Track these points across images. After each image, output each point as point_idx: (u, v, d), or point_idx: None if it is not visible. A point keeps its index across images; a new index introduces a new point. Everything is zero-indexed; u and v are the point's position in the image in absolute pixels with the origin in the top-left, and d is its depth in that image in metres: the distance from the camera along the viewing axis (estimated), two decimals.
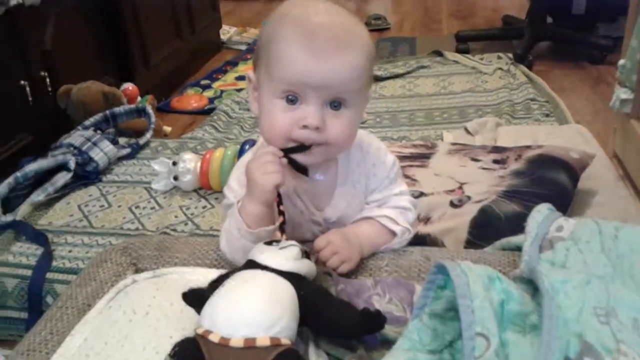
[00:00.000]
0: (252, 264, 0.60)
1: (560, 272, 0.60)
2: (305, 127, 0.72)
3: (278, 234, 0.69)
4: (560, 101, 2.02)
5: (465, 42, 2.71)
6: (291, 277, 0.58)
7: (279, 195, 0.73)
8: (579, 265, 0.63)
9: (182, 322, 0.63)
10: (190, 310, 0.61)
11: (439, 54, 2.60)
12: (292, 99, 0.73)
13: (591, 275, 0.59)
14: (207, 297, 0.56)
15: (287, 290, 0.56)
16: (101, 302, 0.70)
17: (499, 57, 2.49)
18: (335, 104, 0.73)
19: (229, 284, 0.57)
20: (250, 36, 3.14)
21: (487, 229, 1.02)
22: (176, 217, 1.39)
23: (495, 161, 1.20)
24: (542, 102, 2.03)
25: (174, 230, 1.33)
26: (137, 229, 1.36)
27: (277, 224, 0.72)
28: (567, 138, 1.48)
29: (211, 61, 2.88)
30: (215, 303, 0.55)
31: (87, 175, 1.56)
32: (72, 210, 1.45)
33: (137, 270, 0.78)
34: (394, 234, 0.81)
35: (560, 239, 0.67)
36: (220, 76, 2.62)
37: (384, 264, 0.75)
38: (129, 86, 2.07)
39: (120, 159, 1.66)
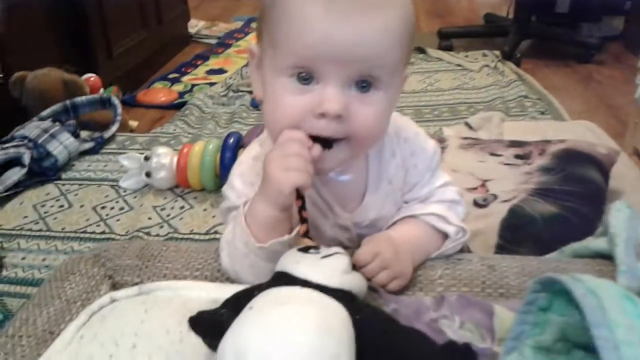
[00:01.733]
0: (285, 278, 0.44)
1: None
2: (322, 115, 0.55)
3: (306, 240, 0.53)
4: (554, 99, 1.94)
5: (448, 39, 2.61)
6: (341, 295, 0.43)
7: (301, 197, 0.57)
8: None
9: (185, 358, 0.46)
10: (196, 341, 0.44)
11: (421, 50, 2.50)
12: (305, 78, 0.56)
13: None
14: (226, 324, 0.40)
15: (340, 315, 0.41)
16: (69, 329, 0.52)
17: (484, 55, 2.44)
18: (364, 84, 0.56)
19: (257, 306, 0.41)
20: (220, 30, 2.97)
21: (521, 232, 0.89)
22: (149, 218, 1.21)
23: (518, 156, 1.07)
24: (535, 99, 1.96)
25: (148, 234, 1.16)
26: (103, 232, 1.18)
27: (295, 231, 0.56)
28: (578, 134, 1.37)
29: (179, 54, 2.70)
30: (241, 334, 0.39)
31: (43, 171, 1.37)
32: (27, 211, 1.26)
33: (115, 285, 0.60)
34: (446, 235, 0.65)
35: None
36: (190, 70, 2.44)
37: (437, 276, 0.60)
38: (91, 77, 1.87)
39: (83, 153, 1.48)
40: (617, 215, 0.59)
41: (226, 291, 0.49)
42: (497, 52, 2.39)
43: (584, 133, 1.40)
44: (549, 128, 1.45)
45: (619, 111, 1.88)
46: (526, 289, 0.56)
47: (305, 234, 0.55)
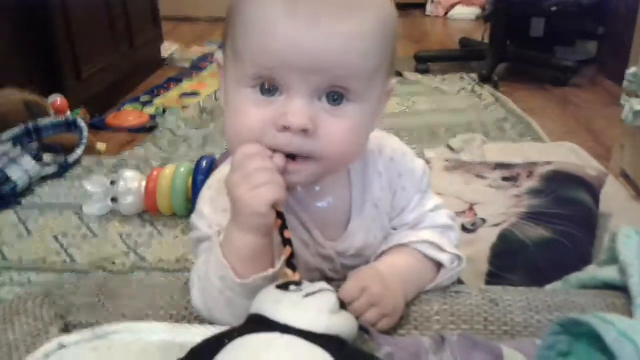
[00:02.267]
0: (263, 323, 0.38)
1: None
2: (285, 128, 0.49)
3: (288, 272, 0.47)
4: (533, 121, 1.92)
5: (425, 63, 2.61)
6: (329, 342, 0.36)
7: (280, 216, 0.50)
8: None
9: None
10: None
11: (398, 74, 2.48)
12: (268, 90, 0.50)
13: None
14: None
15: None
16: None
17: (462, 78, 2.45)
18: (335, 97, 0.51)
19: (229, 356, 0.34)
20: (194, 54, 2.91)
21: (513, 258, 0.84)
22: (115, 247, 1.13)
23: (505, 179, 1.03)
24: (514, 122, 1.95)
25: (113, 263, 1.07)
26: (64, 262, 1.10)
27: (282, 261, 0.49)
28: (561, 156, 1.34)
29: (152, 77, 2.63)
30: None
31: (2, 197, 1.27)
32: None
33: (68, 327, 0.53)
34: (440, 265, 0.59)
35: None
36: (162, 92, 2.37)
37: (434, 311, 0.54)
38: (57, 98, 1.78)
39: (45, 178, 1.39)
40: (627, 243, 0.54)
41: (194, 334, 0.43)
42: (474, 76, 2.40)
43: (568, 155, 1.38)
44: (531, 150, 1.42)
45: (599, 134, 1.87)
46: (533, 325, 0.51)
47: (290, 258, 0.49)
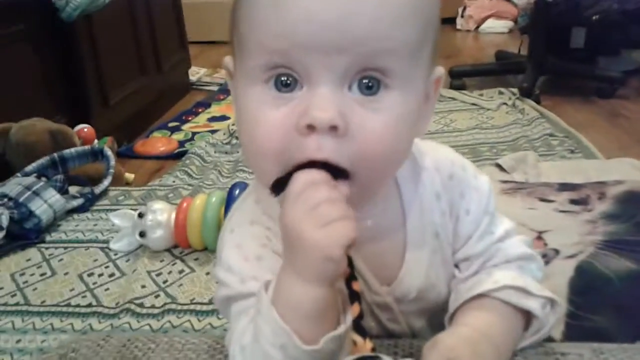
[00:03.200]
0: None
1: None
2: (310, 128, 0.38)
3: (357, 338, 0.37)
4: (581, 136, 1.80)
5: (460, 78, 2.51)
6: None
7: (350, 264, 0.39)
8: None
9: None
10: None
11: None
12: (285, 82, 0.39)
13: None
14: None
15: None
16: None
17: (501, 93, 2.33)
18: (369, 83, 0.39)
19: None
20: (222, 77, 2.87)
21: (595, 296, 0.73)
22: (143, 287, 1.05)
23: (573, 201, 0.92)
24: (562, 137, 1.82)
25: (141, 305, 0.99)
26: (89, 304, 1.02)
27: (349, 320, 0.39)
28: (624, 173, 1.21)
29: (180, 103, 2.58)
30: None
31: (25, 234, 1.21)
32: (3, 282, 1.10)
33: None
34: (530, 315, 0.48)
35: None
36: (190, 118, 2.32)
37: None
38: (84, 128, 1.74)
39: (70, 212, 1.32)
40: None
41: None
42: (514, 90, 2.28)
43: (631, 172, 1.25)
44: (589, 167, 1.30)
45: None
46: None
47: (359, 318, 0.39)
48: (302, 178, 0.39)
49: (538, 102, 2.16)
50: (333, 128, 0.38)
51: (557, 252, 0.82)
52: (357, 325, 0.38)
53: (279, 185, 0.40)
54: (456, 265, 0.53)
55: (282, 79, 0.40)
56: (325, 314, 0.40)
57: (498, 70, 2.63)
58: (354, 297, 0.39)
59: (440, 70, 0.46)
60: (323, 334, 0.39)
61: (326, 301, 0.39)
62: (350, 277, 0.39)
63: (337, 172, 0.40)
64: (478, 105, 2.21)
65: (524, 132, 1.89)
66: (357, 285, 0.39)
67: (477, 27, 3.65)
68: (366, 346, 0.36)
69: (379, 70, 0.39)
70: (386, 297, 0.50)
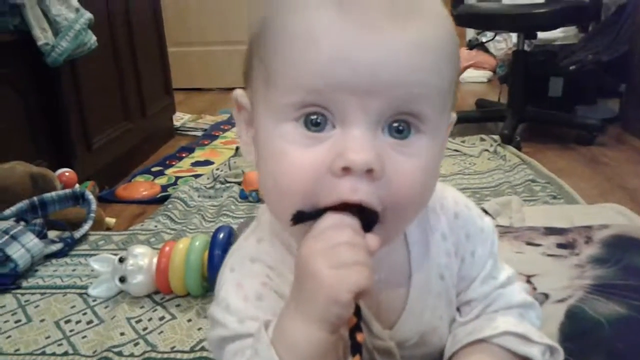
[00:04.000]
0: None
1: None
2: (346, 170, 0.38)
3: None
4: (563, 182, 1.82)
5: None
6: None
7: (357, 310, 0.39)
8: None
9: None
10: None
11: None
12: (316, 122, 0.39)
13: None
14: None
15: None
16: None
17: (482, 139, 2.37)
18: (400, 127, 0.40)
19: None
20: (206, 122, 2.89)
21: (587, 341, 0.72)
22: (122, 334, 1.01)
23: (561, 245, 0.92)
24: (543, 183, 1.85)
25: (119, 354, 0.95)
26: (65, 353, 0.97)
27: None
28: (609, 219, 1.22)
29: (163, 147, 2.58)
30: None
31: (0, 279, 1.16)
32: None
33: None
34: None
35: None
36: (174, 162, 2.31)
37: None
38: (65, 172, 1.72)
39: (49, 257, 1.28)
40: None
41: None
42: (496, 137, 2.32)
43: (615, 217, 1.26)
44: (574, 212, 1.31)
45: (636, 193, 1.76)
46: None
47: None
48: (331, 218, 0.39)
49: (519, 149, 2.20)
50: (369, 171, 0.38)
51: (546, 296, 0.81)
52: None
53: (300, 218, 0.40)
54: (457, 309, 0.52)
55: (312, 117, 0.39)
56: (325, 357, 0.38)
57: (479, 118, 2.69)
58: (356, 348, 0.37)
59: (454, 116, 0.47)
60: None
61: (326, 347, 0.38)
62: (356, 327, 0.38)
63: (369, 216, 0.39)
64: (460, 152, 2.24)
65: (507, 177, 1.91)
66: (361, 337, 0.38)
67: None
68: None
69: (413, 115, 0.40)
70: (388, 341, 0.49)
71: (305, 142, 0.39)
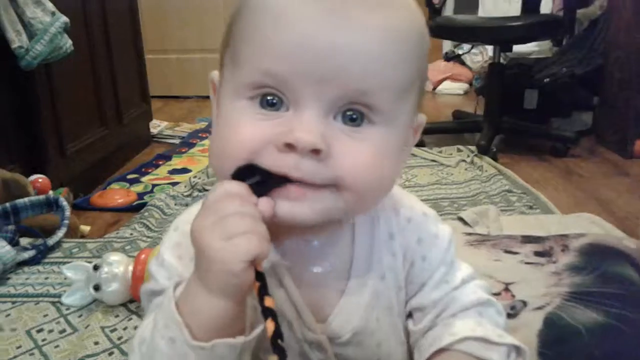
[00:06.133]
0: None
1: None
2: (290, 147, 0.39)
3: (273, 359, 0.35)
4: (539, 193, 1.85)
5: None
6: None
7: (259, 276, 0.39)
8: None
9: None
10: None
11: None
12: (271, 102, 0.41)
13: None
14: None
15: None
16: None
17: (459, 150, 2.40)
18: (353, 116, 0.41)
19: None
20: (184, 130, 2.86)
21: (565, 348, 0.73)
22: (96, 343, 0.98)
23: (538, 253, 0.93)
24: (519, 193, 1.88)
25: None
26: None
27: (256, 332, 0.39)
28: (583, 228, 1.24)
29: (140, 155, 2.55)
30: None
31: None
32: None
33: None
34: None
35: None
36: (150, 170, 2.28)
37: None
38: (39, 178, 1.68)
39: (21, 264, 1.25)
40: None
41: None
42: (472, 147, 2.34)
43: (589, 226, 1.28)
44: (549, 222, 1.32)
45: (609, 204, 1.79)
46: None
47: (276, 336, 0.37)
48: (221, 187, 0.40)
49: (495, 160, 2.23)
50: (315, 151, 0.39)
51: (525, 303, 0.82)
52: (275, 345, 0.35)
53: (239, 174, 0.41)
54: (410, 315, 0.52)
55: (268, 98, 0.41)
56: (225, 327, 0.39)
57: (456, 129, 2.72)
58: (267, 313, 0.37)
59: (422, 118, 0.47)
60: (217, 335, 0.38)
61: (230, 315, 0.39)
62: (261, 291, 0.38)
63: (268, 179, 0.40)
64: (438, 162, 2.26)
65: (483, 188, 1.93)
66: (270, 302, 0.38)
67: (434, 88, 3.79)
68: None
69: (365, 105, 0.41)
70: (319, 334, 0.48)
71: (257, 117, 0.41)
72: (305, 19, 0.38)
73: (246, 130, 0.40)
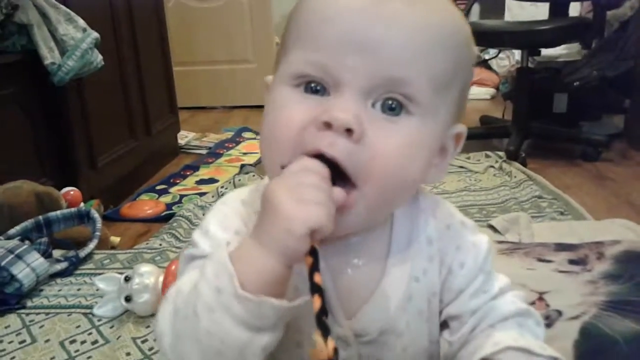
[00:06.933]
0: None
1: None
2: (327, 125, 0.41)
3: (318, 339, 0.35)
4: (570, 199, 1.81)
5: None
6: None
7: (313, 252, 0.40)
8: None
9: None
10: None
11: None
12: (314, 88, 0.43)
13: None
14: None
15: None
16: None
17: (487, 156, 2.35)
18: (392, 104, 0.43)
19: None
20: (211, 140, 2.89)
21: (602, 358, 0.70)
22: (128, 354, 0.99)
23: (572, 261, 0.91)
24: (550, 199, 1.83)
25: None
26: None
27: (302, 300, 0.39)
28: (618, 234, 1.21)
29: (168, 166, 2.58)
30: None
31: (5, 299, 1.16)
32: None
33: None
34: None
35: None
36: (178, 180, 2.31)
37: None
38: (70, 190, 1.71)
39: (54, 276, 1.28)
40: None
41: None
42: (501, 153, 2.31)
43: (624, 232, 1.25)
44: (582, 228, 1.29)
45: None
46: None
47: (322, 313, 0.37)
48: (301, 162, 0.42)
49: (524, 165, 2.19)
50: (349, 131, 0.41)
51: (560, 313, 0.80)
52: (320, 322, 0.35)
53: None
54: (446, 325, 0.51)
55: (312, 85, 0.43)
56: (272, 286, 0.39)
57: (483, 134, 2.69)
58: (315, 289, 0.38)
59: (462, 127, 0.48)
60: (265, 293, 0.39)
61: (277, 277, 0.39)
62: (313, 267, 0.39)
63: (340, 173, 0.42)
64: (466, 168, 2.23)
65: (513, 194, 1.90)
66: (319, 278, 0.38)
67: None
68: (328, 348, 0.33)
69: (403, 95, 0.42)
70: (347, 330, 0.48)
71: (300, 101, 0.44)
72: (348, 10, 0.41)
73: (291, 112, 0.43)
